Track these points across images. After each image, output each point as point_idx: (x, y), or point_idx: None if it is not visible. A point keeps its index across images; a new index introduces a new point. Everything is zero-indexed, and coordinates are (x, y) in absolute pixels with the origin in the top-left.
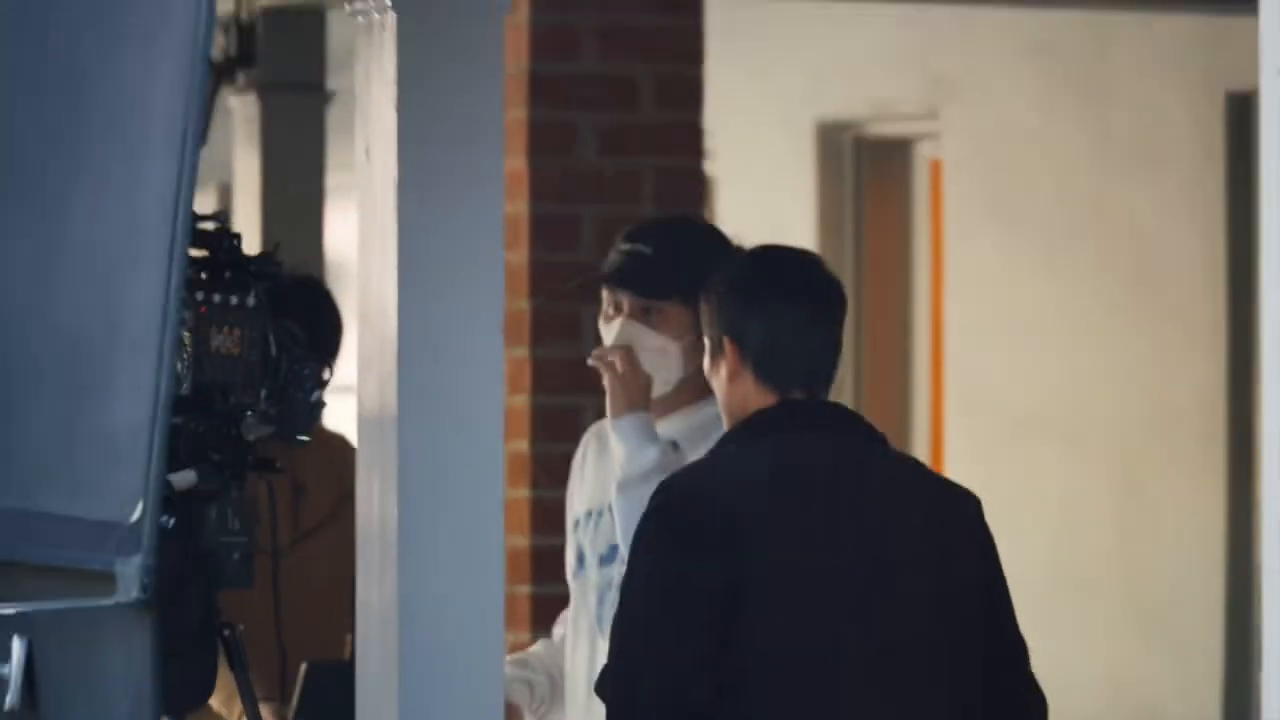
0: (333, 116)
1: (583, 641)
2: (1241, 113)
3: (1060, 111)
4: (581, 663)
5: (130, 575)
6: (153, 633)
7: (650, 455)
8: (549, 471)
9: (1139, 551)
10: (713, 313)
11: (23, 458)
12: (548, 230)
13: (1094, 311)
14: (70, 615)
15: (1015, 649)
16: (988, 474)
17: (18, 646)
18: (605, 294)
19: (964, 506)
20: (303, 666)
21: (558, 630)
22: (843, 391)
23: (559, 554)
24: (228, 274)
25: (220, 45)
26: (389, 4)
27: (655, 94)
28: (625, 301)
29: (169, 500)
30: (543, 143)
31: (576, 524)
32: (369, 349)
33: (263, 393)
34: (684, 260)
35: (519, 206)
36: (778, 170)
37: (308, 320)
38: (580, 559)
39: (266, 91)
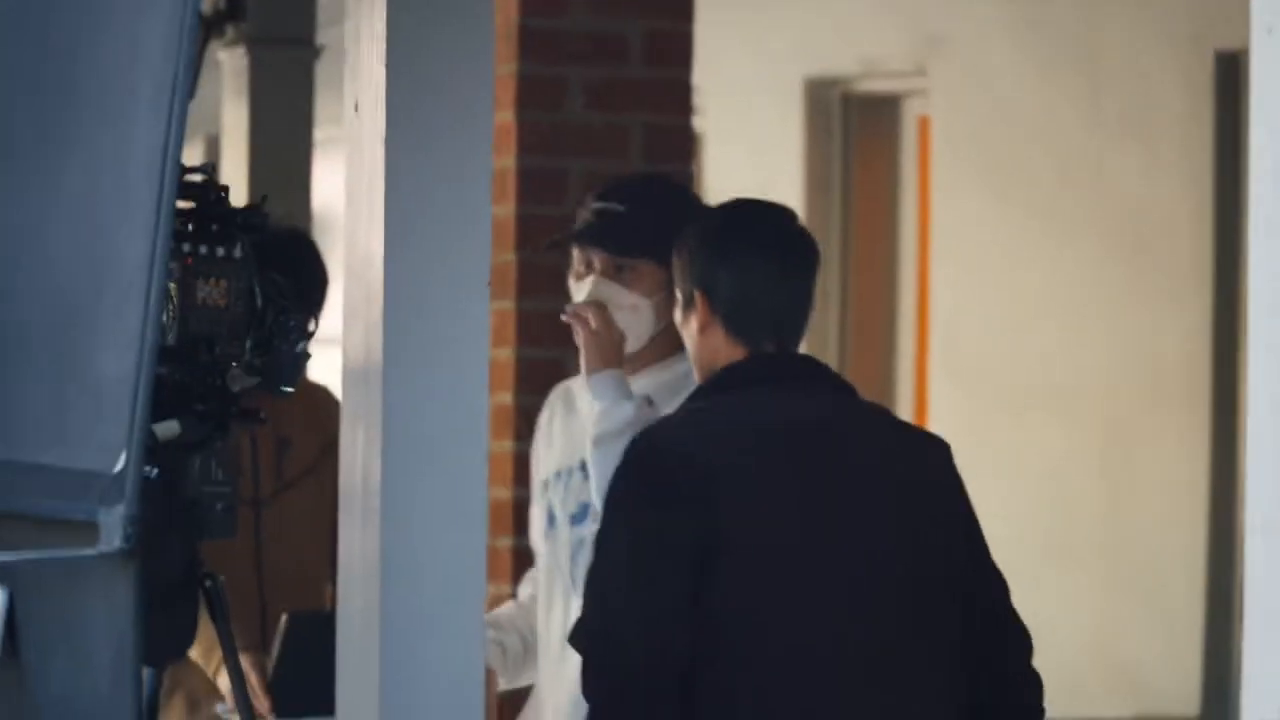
0: (321, 71)
1: (556, 601)
2: (1230, 71)
3: (1049, 69)
4: (555, 622)
5: (113, 525)
6: (135, 582)
7: (626, 411)
8: (533, 424)
9: (1123, 515)
10: (684, 266)
11: (7, 407)
12: (535, 184)
13: (1080, 269)
14: (52, 565)
15: (995, 584)
16: (972, 436)
17: (0, 596)
18: (576, 252)
19: (935, 452)
20: (283, 617)
21: (525, 590)
22: (827, 351)
23: None
24: (214, 226)
25: None
26: None
27: (645, 50)
28: (597, 259)
29: (153, 450)
30: (531, 97)
31: (546, 484)
32: (355, 301)
33: (248, 344)
34: (655, 218)
35: (506, 160)
36: (766, 127)
37: (293, 273)
38: (551, 519)
39: (255, 45)
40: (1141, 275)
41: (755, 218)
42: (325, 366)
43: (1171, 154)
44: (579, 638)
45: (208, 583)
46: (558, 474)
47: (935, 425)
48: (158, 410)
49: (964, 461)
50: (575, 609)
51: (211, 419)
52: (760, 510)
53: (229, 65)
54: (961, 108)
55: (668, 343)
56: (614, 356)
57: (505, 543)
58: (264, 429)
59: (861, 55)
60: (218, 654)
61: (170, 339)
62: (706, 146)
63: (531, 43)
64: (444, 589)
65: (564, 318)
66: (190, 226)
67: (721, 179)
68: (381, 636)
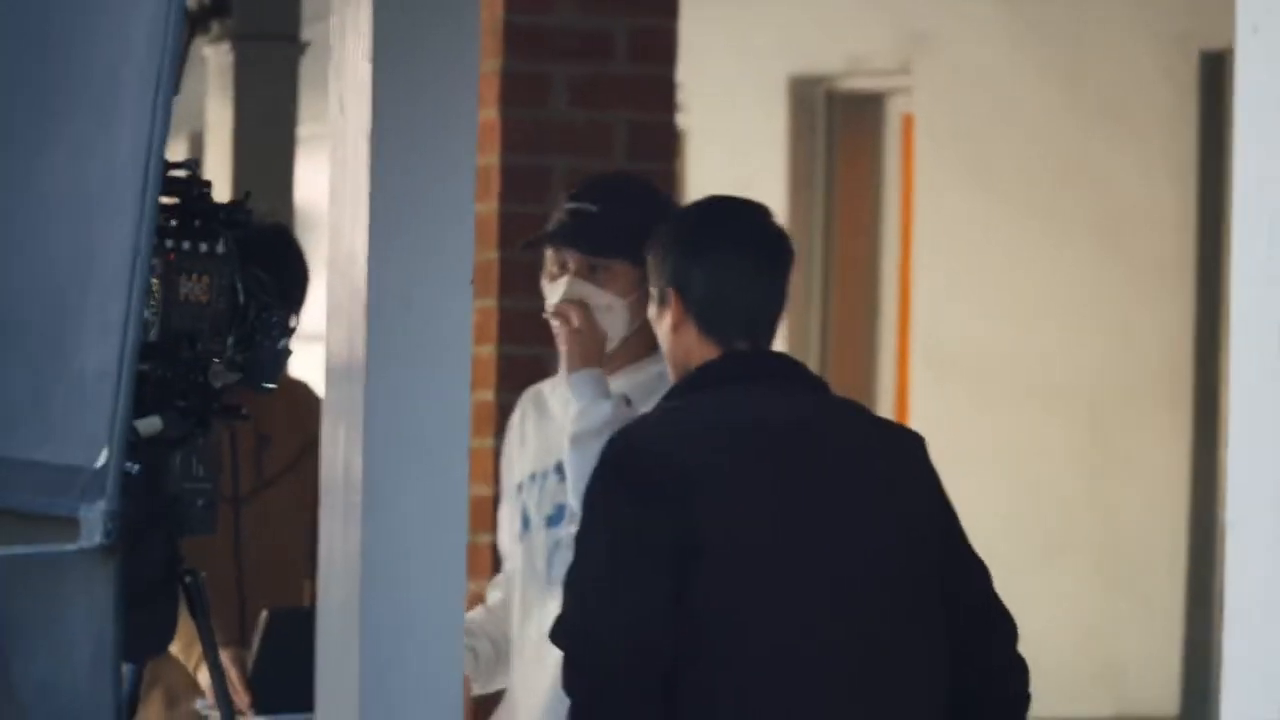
0: (306, 67)
1: (532, 604)
2: (1215, 71)
3: (1033, 67)
4: (531, 625)
5: (94, 520)
6: (115, 578)
7: (604, 410)
8: None
9: (1103, 507)
10: (657, 264)
11: None
12: (518, 181)
13: (1063, 268)
14: (33, 560)
15: (976, 573)
16: (953, 429)
17: None
18: (550, 253)
19: (910, 445)
20: (264, 613)
21: (494, 595)
22: (809, 348)
23: None
24: (197, 222)
25: None
26: None
27: (629, 47)
28: (571, 260)
29: (134, 446)
30: (515, 94)
31: (520, 487)
32: (339, 298)
33: (230, 340)
34: (628, 217)
35: (490, 157)
36: (750, 124)
37: (275, 269)
38: (525, 521)
39: (240, 41)
40: (1125, 272)
41: (728, 216)
42: (306, 363)
43: (1156, 152)
44: (560, 636)
45: (188, 579)
46: (532, 476)
47: (917, 422)
48: (140, 406)
49: (945, 457)
50: (551, 611)
51: (193, 415)
52: (739, 509)
53: (214, 61)
54: (945, 106)
55: (642, 343)
56: (595, 355)
57: (486, 539)
58: (244, 426)
59: (846, 53)
60: (198, 649)
61: (152, 335)
62: (690, 144)
63: (516, 39)
64: (425, 585)
65: (546, 315)
66: (173, 222)
67: (705, 176)
68: (361, 632)
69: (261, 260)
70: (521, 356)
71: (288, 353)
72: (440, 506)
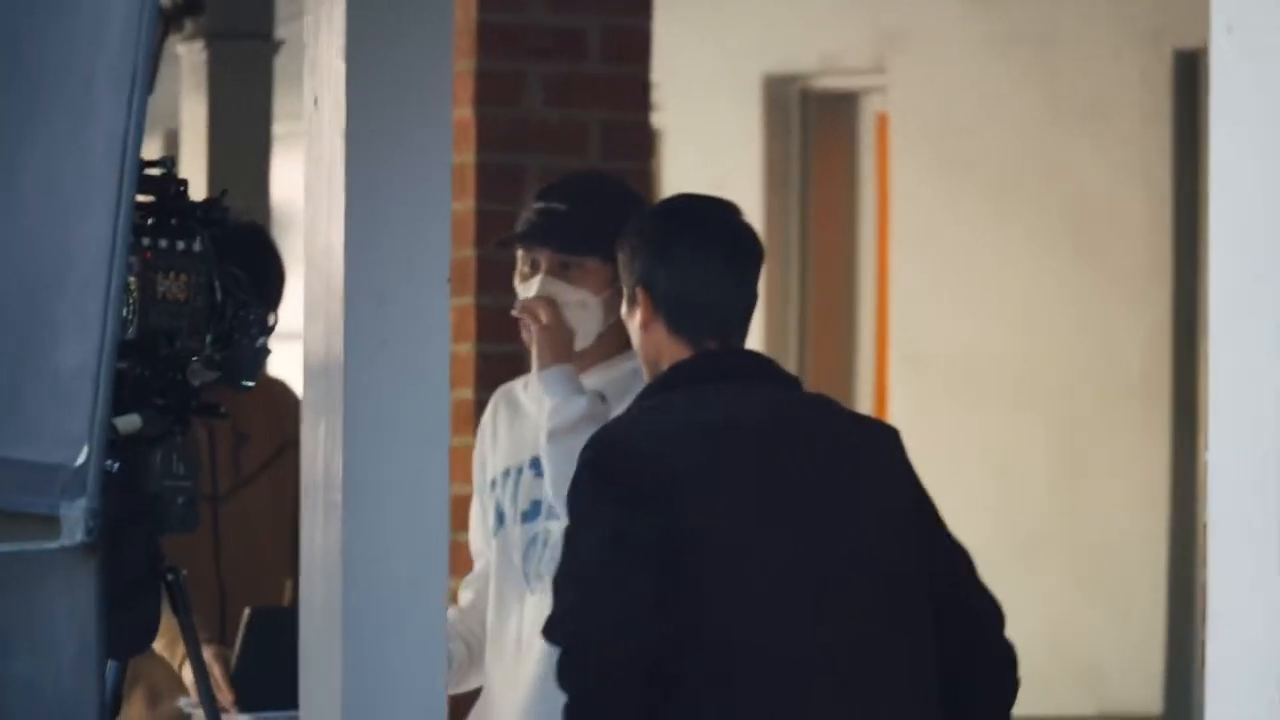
0: (280, 65)
1: (510, 601)
2: (1189, 70)
3: (1007, 67)
4: (509, 622)
5: (75, 519)
6: (97, 576)
7: (579, 405)
8: None
9: (1083, 508)
10: (627, 263)
11: None
12: (493, 180)
13: (1039, 267)
14: (14, 559)
15: (959, 561)
16: (931, 429)
17: None
18: (520, 252)
19: (886, 439)
20: (246, 611)
21: (465, 595)
22: (787, 346)
23: None
24: (174, 220)
25: None
26: None
27: (603, 46)
28: (543, 259)
29: (114, 444)
30: (490, 93)
31: (493, 484)
32: (315, 296)
33: (208, 338)
34: (598, 215)
35: (465, 156)
36: (725, 123)
37: (251, 267)
38: (500, 517)
39: (214, 40)
40: (1101, 270)
41: (696, 214)
42: (283, 361)
43: (1130, 150)
44: (554, 633)
45: (170, 576)
46: (506, 472)
47: (895, 420)
48: (118, 404)
49: (923, 455)
50: (530, 606)
51: (172, 413)
52: (722, 508)
53: (188, 60)
54: (920, 105)
55: (615, 340)
56: (565, 352)
57: (466, 537)
58: (222, 424)
59: (820, 52)
60: (182, 648)
61: (130, 333)
62: (665, 143)
63: (490, 38)
64: (406, 582)
65: (515, 313)
66: (150, 220)
67: (680, 175)
68: (344, 630)
69: (238, 258)
70: (499, 354)
71: (266, 351)
72: (421, 504)
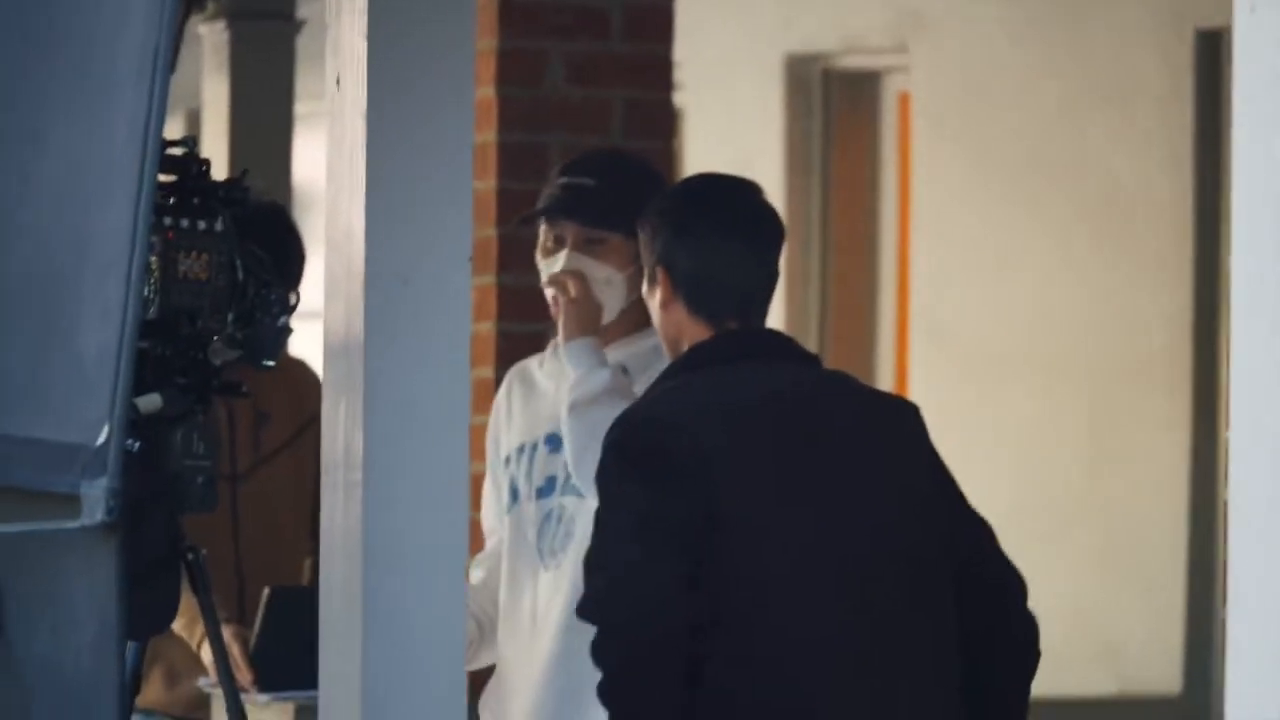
0: (302, 45)
1: (523, 577)
2: (1211, 50)
3: (1029, 47)
4: (524, 598)
5: (96, 498)
6: (117, 556)
7: (602, 378)
8: None
9: (1104, 486)
10: (647, 242)
11: None
12: (515, 159)
13: (1060, 247)
14: (35, 538)
15: (982, 533)
16: (952, 409)
17: None
18: (544, 228)
19: (907, 415)
20: (265, 591)
21: (476, 574)
22: (809, 326)
23: None
24: (195, 199)
25: None
26: None
27: (626, 25)
28: (569, 234)
29: (135, 424)
30: (512, 72)
31: (507, 460)
32: (336, 276)
33: (230, 317)
34: (624, 191)
35: (487, 135)
36: (747, 103)
37: (272, 247)
38: (514, 493)
39: (236, 20)
40: (1123, 250)
41: (716, 195)
42: (303, 341)
43: (1152, 130)
44: (590, 611)
45: (190, 556)
46: (520, 449)
47: (916, 397)
48: (139, 383)
49: (944, 433)
50: (544, 583)
51: (193, 392)
52: (746, 488)
53: (209, 40)
54: (942, 84)
55: (636, 317)
56: (591, 325)
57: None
58: (242, 403)
59: (842, 31)
60: (200, 628)
61: (152, 312)
62: (687, 122)
63: (512, 17)
64: (426, 562)
65: (544, 285)
66: (172, 200)
67: (701, 155)
68: (364, 609)
69: (259, 238)
70: (520, 333)
71: (288, 330)
72: (441, 483)
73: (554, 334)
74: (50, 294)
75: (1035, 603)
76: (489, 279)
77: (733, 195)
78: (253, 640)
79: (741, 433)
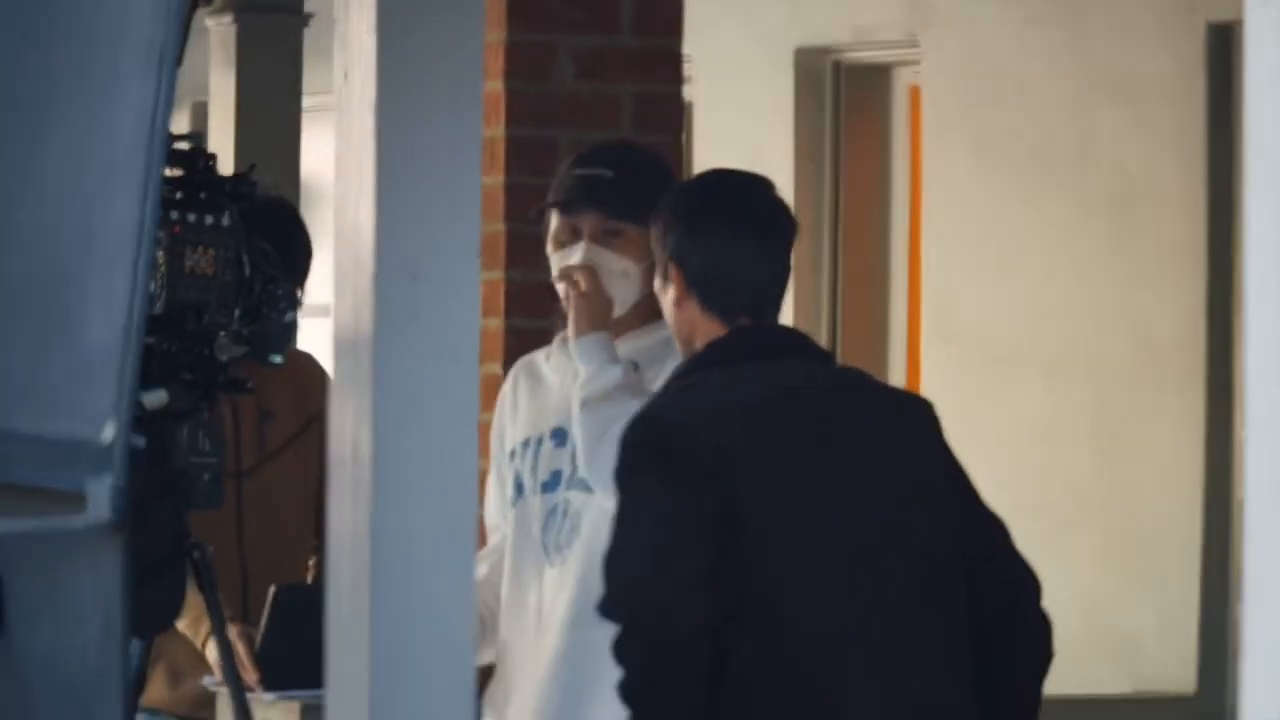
0: (309, 38)
1: (528, 572)
2: (1222, 43)
3: (1040, 40)
4: (529, 593)
5: (101, 495)
6: (123, 554)
7: (614, 374)
8: None
9: (1117, 481)
10: (660, 239)
11: None
12: (524, 153)
13: (1072, 240)
14: (40, 535)
15: (996, 531)
16: (964, 403)
17: None
18: (558, 219)
19: (921, 412)
20: (271, 589)
21: (479, 569)
22: (819, 319)
23: None
24: (202, 194)
25: None
26: None
27: (635, 18)
28: (587, 225)
29: (141, 420)
30: (520, 66)
31: (512, 454)
32: (345, 271)
33: (236, 313)
34: (642, 183)
35: (495, 130)
36: (757, 96)
37: (278, 242)
38: (519, 488)
39: (243, 12)
40: (1134, 243)
41: (729, 191)
42: (311, 336)
43: (1163, 123)
44: (611, 610)
45: (195, 553)
46: (525, 443)
47: (926, 392)
48: (145, 379)
49: (954, 430)
50: (549, 578)
51: (199, 388)
52: (763, 484)
53: (216, 32)
54: (953, 78)
55: (648, 308)
56: (602, 320)
57: None
58: (246, 400)
59: (853, 24)
60: (205, 626)
61: (158, 308)
62: (697, 116)
63: (521, 11)
64: (435, 560)
65: (555, 279)
66: (178, 194)
67: (711, 149)
68: (371, 608)
69: (265, 233)
70: (529, 329)
71: (294, 326)
72: (450, 480)
73: (561, 328)
74: (55, 289)
75: (1049, 601)
76: (497, 274)
77: (745, 192)
78: (258, 639)
79: (757, 430)
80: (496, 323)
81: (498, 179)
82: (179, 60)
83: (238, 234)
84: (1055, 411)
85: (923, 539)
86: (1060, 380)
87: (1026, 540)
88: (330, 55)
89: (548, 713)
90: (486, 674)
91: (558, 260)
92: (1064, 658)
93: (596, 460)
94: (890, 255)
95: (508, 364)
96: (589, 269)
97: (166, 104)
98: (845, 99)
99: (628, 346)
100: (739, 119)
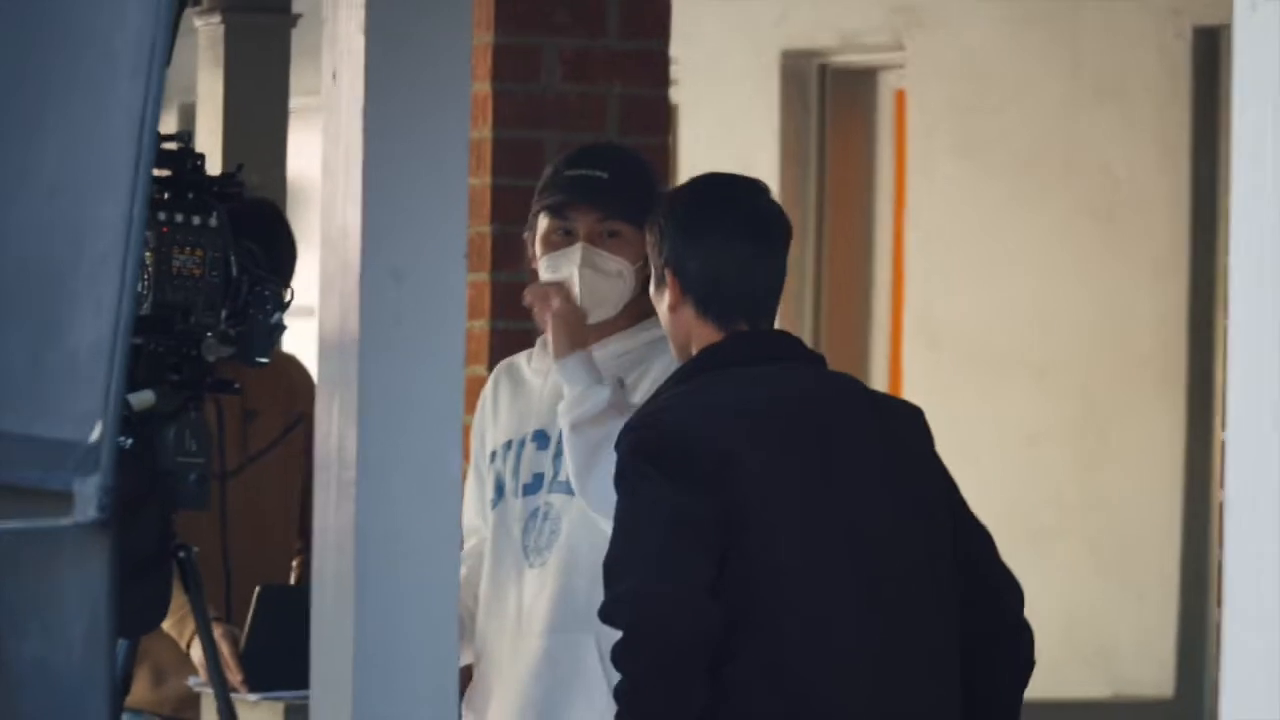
0: (298, 39)
1: (508, 574)
2: (1209, 48)
3: (1026, 43)
4: (509, 595)
5: (88, 495)
6: (110, 553)
7: (602, 396)
8: None
9: (1098, 487)
10: (655, 244)
11: None
12: (510, 155)
13: (1056, 245)
14: (27, 535)
15: (981, 539)
16: (946, 409)
17: None
18: (548, 220)
19: (913, 419)
20: (256, 590)
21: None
22: (803, 322)
23: None
24: (190, 195)
25: None
26: None
27: (621, 21)
28: (583, 226)
29: (128, 420)
30: (507, 68)
31: (493, 456)
32: (331, 272)
33: (223, 314)
34: (634, 184)
35: (483, 131)
36: (743, 99)
37: (264, 243)
38: (500, 489)
39: (231, 13)
40: (1119, 248)
41: (724, 197)
42: (296, 338)
43: (1149, 128)
44: (614, 615)
45: (181, 554)
46: (507, 444)
47: (910, 397)
48: (132, 380)
49: (937, 435)
50: (529, 580)
51: (186, 389)
52: (764, 490)
53: (204, 33)
54: (938, 82)
55: (638, 308)
56: (581, 337)
57: None
58: (230, 400)
59: (839, 28)
60: (191, 626)
61: (145, 308)
62: (682, 118)
63: (508, 13)
64: (419, 561)
65: (526, 299)
66: (166, 195)
67: (697, 151)
68: (356, 609)
69: (250, 234)
70: (515, 331)
71: (281, 327)
72: (434, 482)
73: (543, 330)
74: (43, 289)
75: (1029, 605)
76: (483, 276)
77: (740, 197)
78: (243, 639)
79: (755, 435)
80: (482, 324)
81: (484, 180)
82: (168, 60)
83: (225, 235)
84: (1038, 416)
85: (920, 544)
86: (1043, 384)
87: (1008, 544)
88: (318, 56)
89: (528, 715)
90: (464, 675)
91: (549, 263)
92: (1043, 662)
93: (591, 481)
94: (874, 259)
95: (493, 366)
96: (561, 286)
97: (156, 104)
98: (831, 102)
99: (615, 347)
100: (725, 122)
